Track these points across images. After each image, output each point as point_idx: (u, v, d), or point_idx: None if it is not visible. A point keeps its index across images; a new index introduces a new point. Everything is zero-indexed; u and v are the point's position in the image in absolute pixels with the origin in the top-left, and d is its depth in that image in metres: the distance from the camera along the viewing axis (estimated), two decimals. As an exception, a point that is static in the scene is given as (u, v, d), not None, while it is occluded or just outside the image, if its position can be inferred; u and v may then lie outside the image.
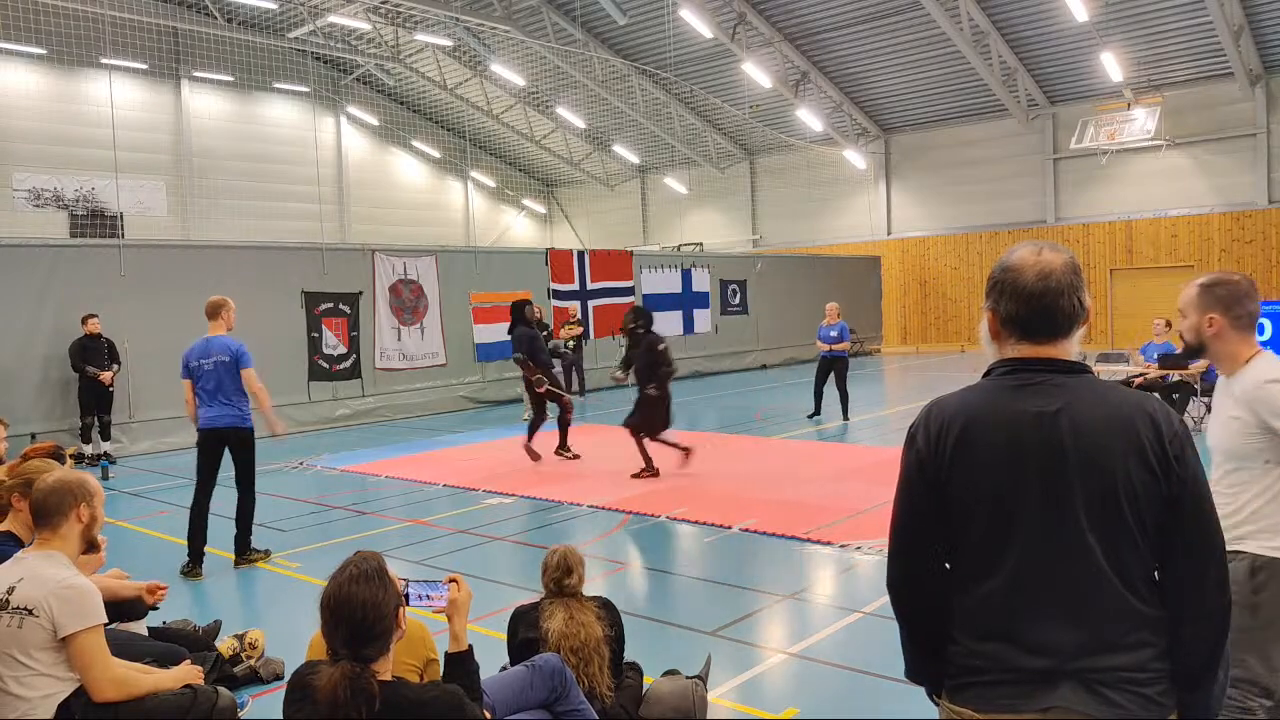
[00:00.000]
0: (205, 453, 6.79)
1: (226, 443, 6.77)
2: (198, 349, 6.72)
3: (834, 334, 13.34)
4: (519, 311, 11.04)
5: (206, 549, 6.78)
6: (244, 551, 6.91)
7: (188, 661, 3.76)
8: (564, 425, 10.98)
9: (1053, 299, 1.89)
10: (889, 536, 2.04)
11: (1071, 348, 1.92)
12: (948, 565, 1.96)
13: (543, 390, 10.76)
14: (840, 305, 13.92)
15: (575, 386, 17.73)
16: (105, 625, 3.32)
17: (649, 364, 9.54)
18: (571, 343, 17.41)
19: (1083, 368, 1.92)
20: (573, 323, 17.68)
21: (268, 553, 7.06)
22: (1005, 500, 1.85)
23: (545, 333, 14.27)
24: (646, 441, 9.54)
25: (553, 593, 3.83)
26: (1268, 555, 2.89)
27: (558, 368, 13.40)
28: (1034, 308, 1.90)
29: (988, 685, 1.87)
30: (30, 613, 3.12)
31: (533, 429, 10.82)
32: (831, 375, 13.20)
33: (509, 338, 11.45)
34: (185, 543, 6.77)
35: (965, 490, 1.88)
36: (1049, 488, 1.83)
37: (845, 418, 13.08)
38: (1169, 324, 12.23)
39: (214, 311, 6.80)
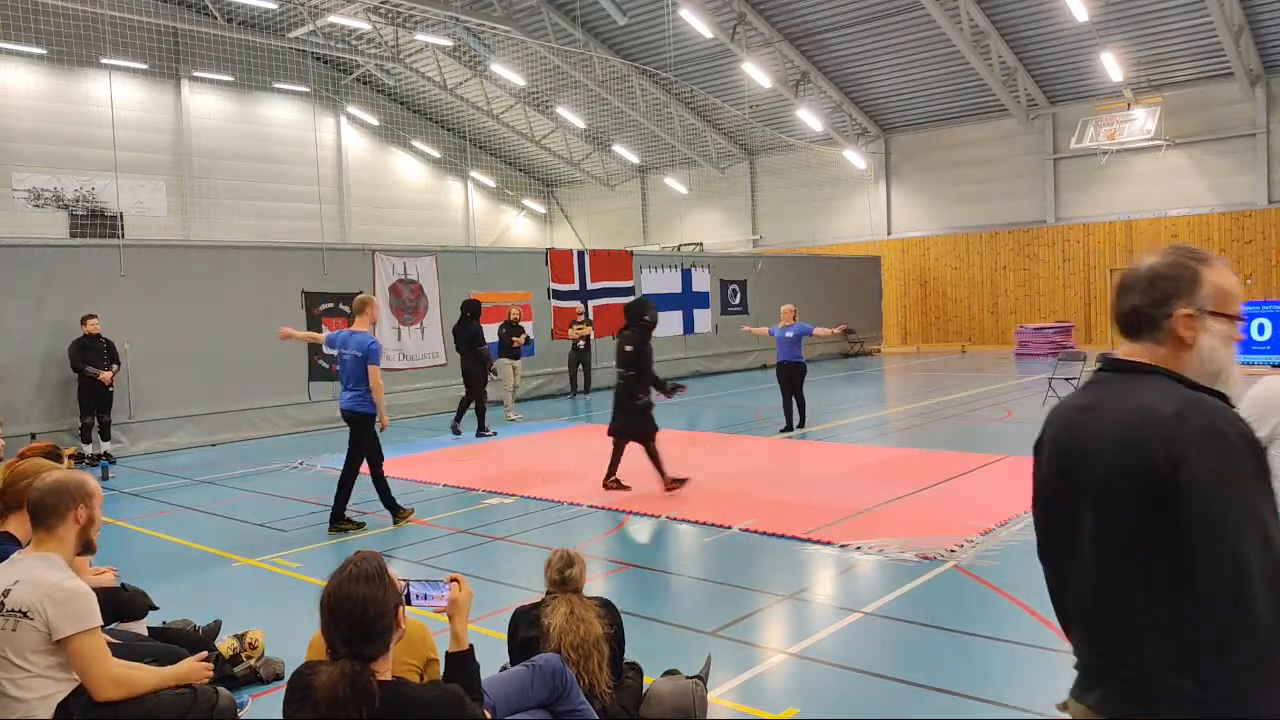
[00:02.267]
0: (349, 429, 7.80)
1: (346, 420, 7.73)
2: (340, 337, 7.86)
3: (789, 335, 11.95)
4: (475, 311, 13.25)
5: (212, 549, 6.77)
6: (338, 520, 7.62)
7: (199, 656, 3.74)
8: (473, 408, 13.07)
9: (1117, 295, 1.94)
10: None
11: (1151, 351, 1.88)
12: None
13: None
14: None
15: (581, 385, 17.76)
16: (104, 626, 3.31)
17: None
18: (581, 342, 17.44)
19: (1150, 369, 1.86)
20: (580, 322, 17.69)
21: (361, 525, 7.67)
22: (1046, 494, 1.96)
23: (512, 330, 14.94)
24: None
25: (555, 585, 3.85)
26: None
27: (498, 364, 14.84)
28: (1111, 302, 1.99)
29: (1075, 669, 1.98)
30: (25, 615, 3.11)
31: (461, 410, 13.17)
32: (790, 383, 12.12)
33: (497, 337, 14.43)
34: (192, 544, 6.98)
35: (1039, 483, 2.02)
36: (1068, 485, 1.88)
37: (801, 426, 12.14)
38: None
39: (360, 309, 7.82)
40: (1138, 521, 1.75)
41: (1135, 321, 1.90)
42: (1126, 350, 1.92)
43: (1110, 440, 1.80)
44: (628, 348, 8.79)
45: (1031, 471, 2.07)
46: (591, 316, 18.76)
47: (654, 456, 8.66)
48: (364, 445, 7.68)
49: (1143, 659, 1.78)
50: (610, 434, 8.92)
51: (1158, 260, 1.89)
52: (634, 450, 8.79)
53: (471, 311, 13.23)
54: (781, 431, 12.11)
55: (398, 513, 7.86)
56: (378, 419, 7.66)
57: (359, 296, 8.06)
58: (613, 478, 8.87)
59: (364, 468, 7.75)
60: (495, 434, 12.93)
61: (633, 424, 8.76)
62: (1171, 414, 1.73)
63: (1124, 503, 1.76)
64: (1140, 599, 1.77)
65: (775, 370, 12.41)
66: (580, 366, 17.69)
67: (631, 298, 19.47)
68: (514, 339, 14.72)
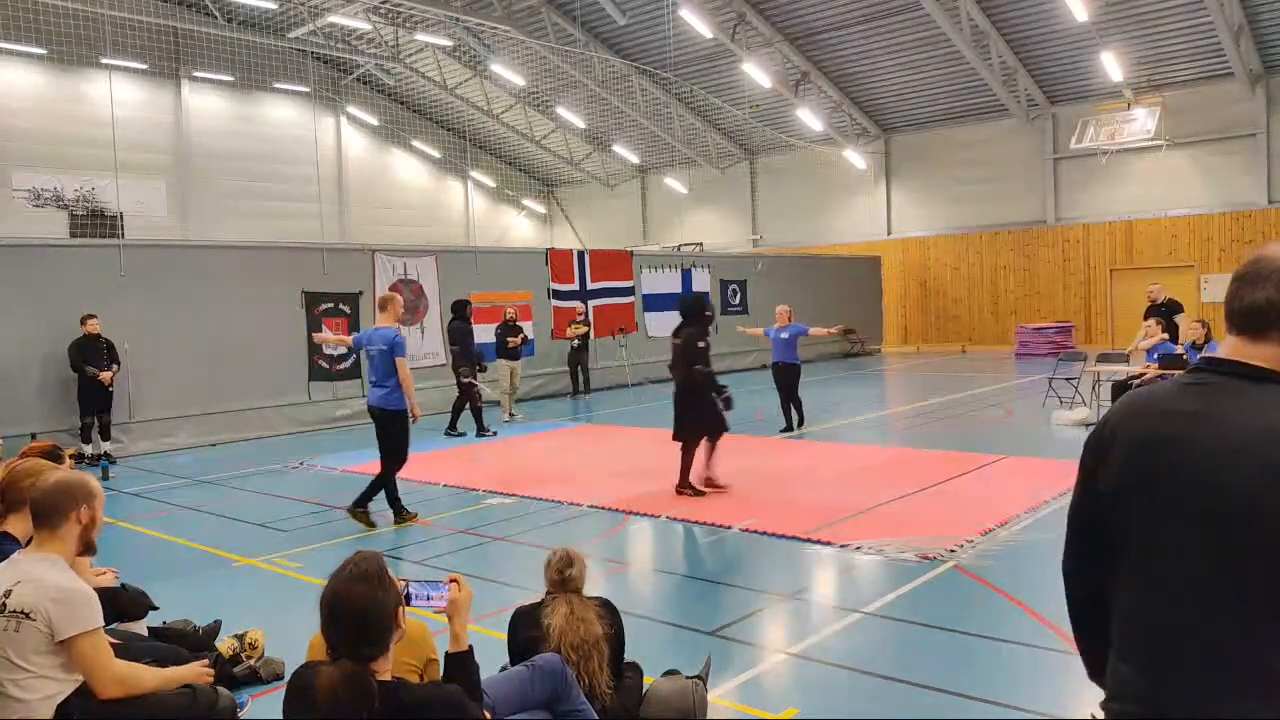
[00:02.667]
0: (375, 427, 7.93)
1: (375, 418, 7.85)
2: (366, 335, 7.94)
3: (784, 336, 11.87)
4: (462, 309, 13.30)
5: (212, 549, 6.78)
6: (359, 506, 7.76)
7: (202, 662, 3.74)
8: (472, 410, 12.94)
9: (1240, 285, 1.66)
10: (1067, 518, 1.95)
11: (1276, 353, 1.62)
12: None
13: (470, 381, 12.73)
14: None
15: (580, 385, 17.74)
16: (105, 626, 3.31)
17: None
18: (576, 341, 17.41)
19: (1264, 373, 1.62)
20: (577, 321, 17.67)
21: (373, 525, 7.75)
22: (1128, 507, 1.69)
23: (508, 331, 14.79)
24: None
25: (556, 585, 3.85)
26: None
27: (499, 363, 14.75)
28: (1229, 293, 1.69)
29: (1118, 714, 1.69)
30: (27, 616, 3.11)
31: (456, 411, 13.13)
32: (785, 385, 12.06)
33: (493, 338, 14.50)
34: (192, 544, 7.01)
35: (1104, 487, 1.75)
36: (1166, 501, 1.62)
37: (799, 426, 12.11)
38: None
39: (384, 305, 7.86)
40: (1261, 557, 1.51)
41: (1265, 319, 1.62)
42: (1238, 351, 1.65)
43: (1243, 459, 1.53)
44: (698, 343, 8.51)
45: (1084, 468, 1.84)
46: (591, 317, 18.75)
47: (689, 458, 8.49)
48: (395, 441, 7.81)
49: (1239, 711, 1.53)
50: (676, 438, 8.62)
51: None
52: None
53: (455, 311, 13.41)
54: (781, 431, 12.09)
55: (401, 514, 7.89)
56: (409, 412, 7.81)
57: (382, 293, 8.21)
58: (686, 484, 8.54)
59: (373, 466, 7.79)
60: (495, 433, 12.93)
61: (696, 422, 8.51)
62: None
63: (1262, 534, 1.50)
64: (1260, 645, 1.52)
65: (771, 371, 12.40)
66: (578, 366, 17.67)
67: (631, 298, 19.58)
68: (509, 340, 14.61)
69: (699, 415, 8.53)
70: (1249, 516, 1.51)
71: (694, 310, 8.85)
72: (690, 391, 8.58)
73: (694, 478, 8.54)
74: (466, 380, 12.80)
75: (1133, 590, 1.69)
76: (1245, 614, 1.52)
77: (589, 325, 17.93)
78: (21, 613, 3.11)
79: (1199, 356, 1.79)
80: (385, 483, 7.84)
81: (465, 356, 13.00)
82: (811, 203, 30.44)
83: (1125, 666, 1.68)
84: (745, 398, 16.61)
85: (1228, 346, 1.69)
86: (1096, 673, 1.83)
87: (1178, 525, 1.60)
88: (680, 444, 8.59)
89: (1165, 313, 12.43)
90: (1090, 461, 1.81)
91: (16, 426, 10.56)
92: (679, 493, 8.47)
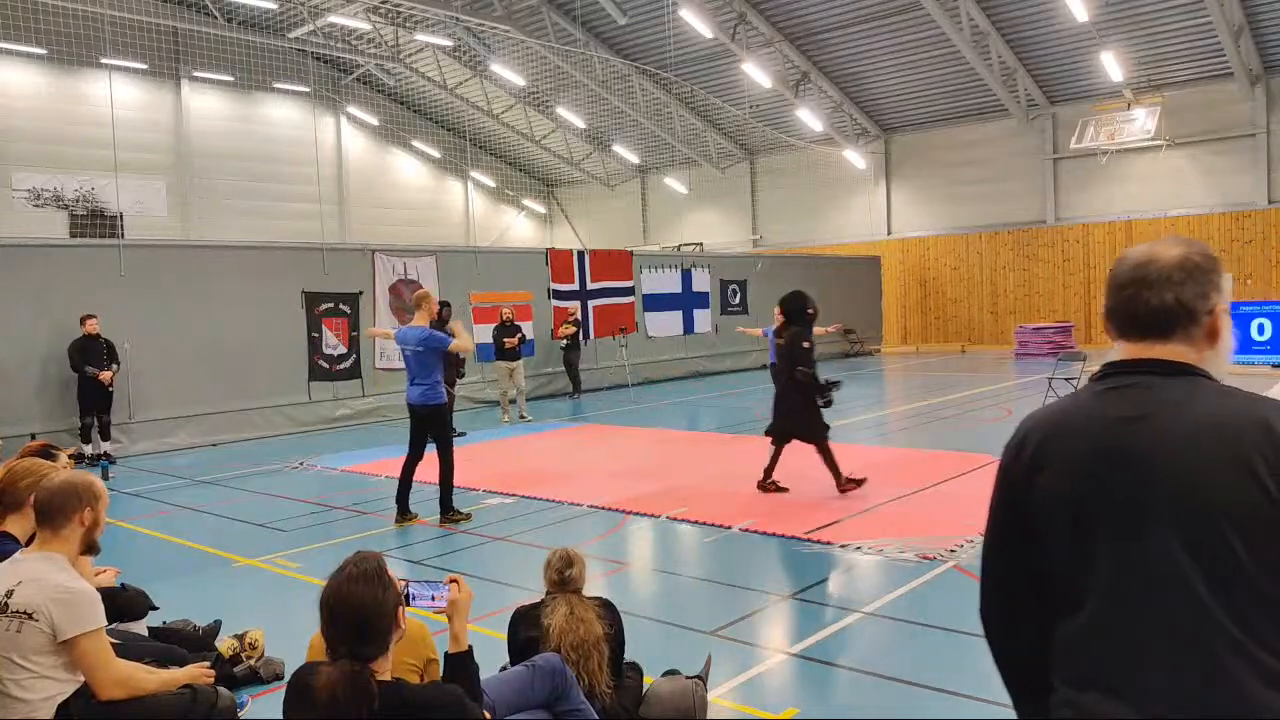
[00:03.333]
0: (412, 424, 7.98)
1: (419, 417, 7.85)
2: (402, 334, 8.08)
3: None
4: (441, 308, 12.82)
5: (212, 549, 6.77)
6: (446, 512, 7.84)
7: (202, 665, 3.75)
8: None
9: (1137, 291, 1.65)
10: (981, 568, 1.82)
11: (1185, 350, 1.63)
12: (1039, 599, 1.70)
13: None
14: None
15: (570, 385, 17.68)
16: (105, 627, 3.31)
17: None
18: (565, 341, 17.34)
19: (1191, 369, 1.62)
20: (569, 322, 17.59)
21: (469, 515, 7.91)
22: (1082, 521, 1.60)
23: (505, 332, 14.65)
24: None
25: (555, 585, 3.86)
26: None
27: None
28: (1120, 300, 1.68)
29: None
30: (30, 616, 3.11)
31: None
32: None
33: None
34: (192, 544, 7.02)
35: (1043, 509, 1.65)
36: (1130, 507, 1.56)
37: None
38: None
39: (418, 303, 7.93)
40: (1241, 552, 1.48)
41: (1172, 317, 1.63)
42: (1145, 351, 1.65)
43: (1199, 450, 1.52)
44: (803, 344, 8.34)
45: (1006, 501, 1.73)
46: (592, 317, 18.74)
47: (828, 456, 8.24)
48: (442, 434, 7.94)
49: (1241, 711, 1.47)
50: (769, 434, 8.55)
51: (1184, 250, 1.66)
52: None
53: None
54: None
55: (448, 512, 7.91)
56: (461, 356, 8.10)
57: (415, 293, 8.33)
58: (770, 480, 8.49)
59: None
60: (464, 434, 12.50)
61: (799, 423, 8.33)
62: (1257, 423, 1.51)
63: (1235, 520, 1.48)
64: (1250, 638, 1.47)
65: (770, 371, 12.37)
66: (569, 367, 17.50)
67: (631, 298, 19.58)
68: (506, 340, 14.52)
69: (797, 417, 8.35)
70: (1218, 507, 1.48)
71: (797, 309, 8.52)
72: (793, 392, 8.40)
73: (833, 485, 8.30)
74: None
75: (1082, 614, 1.59)
76: (1229, 605, 1.47)
77: (578, 325, 17.83)
78: (24, 613, 3.12)
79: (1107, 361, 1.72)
80: (450, 474, 7.88)
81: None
82: (811, 203, 30.44)
83: (1089, 695, 1.57)
84: (745, 397, 16.63)
85: (1126, 349, 1.68)
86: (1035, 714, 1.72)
87: (1141, 531, 1.54)
88: (771, 441, 8.52)
89: None
90: (1012, 493, 1.71)
91: (16, 426, 10.57)
92: (763, 489, 8.42)
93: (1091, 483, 1.60)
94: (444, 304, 12.92)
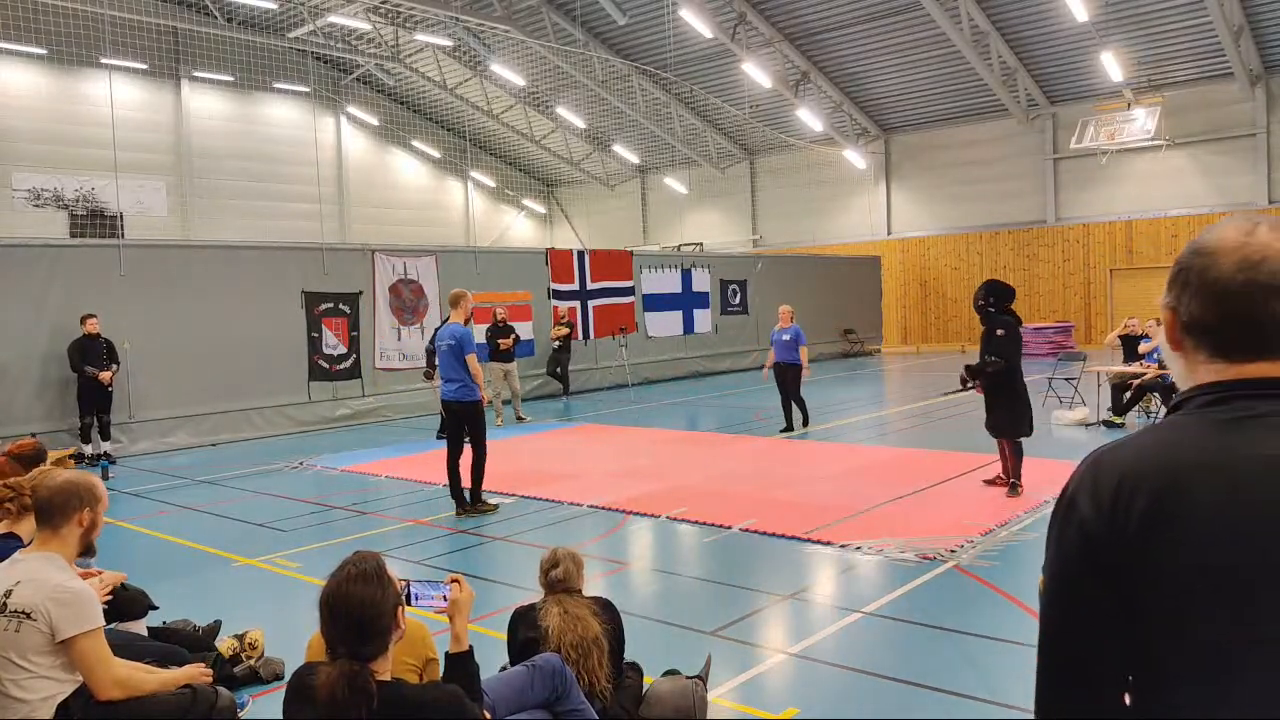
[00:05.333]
0: (447, 419, 8.35)
1: (452, 411, 8.12)
2: (438, 331, 8.30)
3: (786, 338, 11.97)
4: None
5: (212, 549, 6.77)
6: (476, 502, 8.11)
7: (200, 665, 3.74)
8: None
9: (1262, 298, 1.24)
10: (1039, 657, 1.33)
11: None
12: (1129, 699, 1.28)
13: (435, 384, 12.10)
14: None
15: (560, 386, 17.63)
16: (105, 626, 3.31)
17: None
18: (557, 342, 17.30)
19: None
20: (561, 323, 17.50)
21: (496, 507, 8.15)
22: (1237, 594, 1.17)
23: (498, 333, 14.40)
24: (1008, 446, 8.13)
25: (547, 586, 3.87)
26: None
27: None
28: (1230, 311, 1.26)
29: None
30: (28, 616, 3.11)
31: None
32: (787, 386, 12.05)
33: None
34: (192, 544, 7.06)
35: (1170, 581, 1.20)
36: None
37: (805, 425, 12.15)
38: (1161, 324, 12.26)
39: (454, 302, 8.23)
40: None
41: None
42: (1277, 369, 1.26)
43: None
44: (999, 332, 7.91)
45: (1084, 554, 1.26)
46: (592, 317, 18.73)
47: (1018, 455, 8.04)
48: (476, 429, 8.09)
49: None
50: (990, 429, 8.19)
51: None
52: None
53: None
54: (781, 431, 12.09)
55: (477, 503, 8.13)
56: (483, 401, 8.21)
57: (452, 291, 8.50)
58: (1012, 479, 8.10)
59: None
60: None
61: (1012, 416, 7.97)
62: None
63: None
64: None
65: (772, 371, 12.41)
66: (558, 368, 17.42)
67: (631, 298, 19.57)
68: (500, 341, 14.26)
69: (1003, 412, 8.03)
70: None
71: (1002, 296, 8.11)
72: (1000, 385, 8.03)
73: (1001, 471, 8.24)
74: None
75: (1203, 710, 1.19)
76: None
77: (570, 326, 17.76)
78: (22, 613, 3.12)
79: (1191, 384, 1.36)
80: (481, 466, 8.12)
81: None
82: (811, 203, 30.44)
83: None
84: (745, 397, 16.63)
85: (1237, 370, 1.27)
86: None
87: None
88: (997, 439, 8.21)
89: (1134, 344, 12.48)
90: (1105, 563, 1.24)
91: (16, 426, 10.57)
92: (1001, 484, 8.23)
93: (1252, 546, 1.17)
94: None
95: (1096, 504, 1.26)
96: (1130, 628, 1.24)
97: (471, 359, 7.97)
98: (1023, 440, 8.04)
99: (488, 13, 24.50)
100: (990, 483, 8.41)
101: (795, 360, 12.01)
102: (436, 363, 8.52)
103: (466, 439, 8.13)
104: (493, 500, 8.36)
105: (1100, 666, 1.28)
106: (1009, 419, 7.98)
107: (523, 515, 8.12)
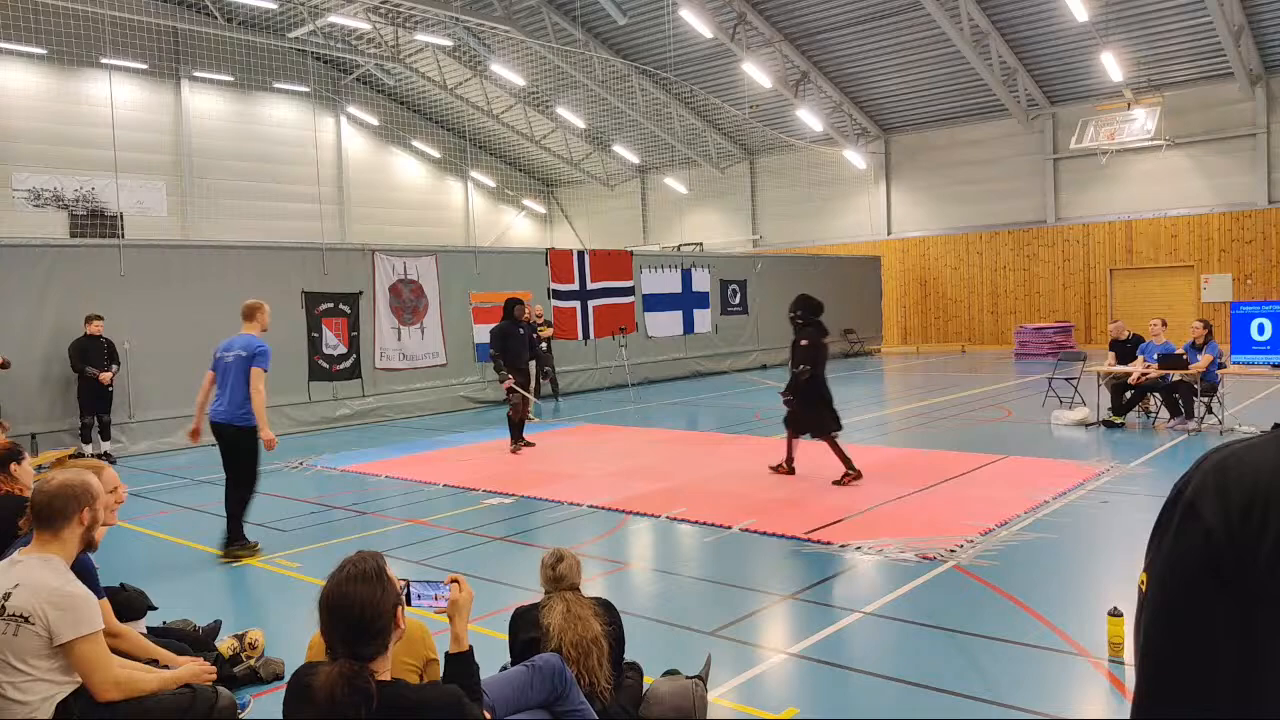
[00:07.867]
0: (218, 443, 7.28)
1: (223, 435, 7.18)
2: (223, 343, 7.15)
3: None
4: (507, 309, 11.68)
5: (213, 549, 6.78)
6: (232, 542, 7.03)
7: (199, 660, 3.74)
8: (512, 424, 11.44)
9: None
10: (1141, 686, 1.17)
11: None
12: None
13: (505, 386, 11.41)
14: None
15: (548, 388, 17.54)
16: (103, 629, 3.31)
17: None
18: (543, 344, 17.23)
19: None
20: (542, 323, 17.42)
21: (256, 546, 7.09)
22: None
23: (534, 332, 14.09)
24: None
25: (550, 583, 3.87)
26: None
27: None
28: None
29: None
30: (26, 620, 3.11)
31: (513, 427, 11.44)
32: None
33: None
34: (192, 544, 7.09)
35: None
36: None
37: None
38: (1165, 323, 12.26)
39: (250, 313, 7.26)
40: None
41: None
42: None
43: None
44: (803, 342, 8.78)
45: (1208, 571, 1.10)
46: (592, 317, 18.71)
47: (837, 447, 8.74)
48: (249, 459, 7.27)
49: None
50: (797, 429, 9.00)
51: None
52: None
53: (504, 311, 11.83)
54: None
55: (237, 543, 7.06)
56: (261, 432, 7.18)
57: (250, 301, 7.68)
58: (846, 470, 8.75)
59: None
60: (528, 444, 11.75)
61: (820, 418, 8.79)
62: None
63: None
64: None
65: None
66: (543, 369, 17.32)
67: (631, 298, 19.54)
68: (540, 331, 14.59)
69: (812, 415, 8.82)
70: None
71: (814, 310, 8.95)
72: (808, 390, 8.77)
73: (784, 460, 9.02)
74: (505, 386, 11.46)
75: None
76: None
77: (550, 327, 17.67)
78: (20, 616, 3.11)
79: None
80: (247, 501, 7.18)
81: (503, 361, 11.47)
82: (811, 203, 30.45)
83: None
84: (745, 397, 16.62)
85: None
86: None
87: None
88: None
89: (1129, 348, 12.47)
90: (1234, 579, 1.08)
91: (16, 427, 10.56)
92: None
93: None
94: (514, 302, 11.72)
95: (1225, 517, 1.11)
96: (1246, 643, 1.11)
97: (258, 376, 6.83)
98: (836, 434, 8.74)
99: (488, 13, 24.50)
100: (839, 483, 8.62)
101: None
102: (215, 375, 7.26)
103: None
104: (253, 540, 7.12)
105: (1213, 676, 1.14)
106: (817, 420, 8.72)
107: (522, 515, 8.12)
